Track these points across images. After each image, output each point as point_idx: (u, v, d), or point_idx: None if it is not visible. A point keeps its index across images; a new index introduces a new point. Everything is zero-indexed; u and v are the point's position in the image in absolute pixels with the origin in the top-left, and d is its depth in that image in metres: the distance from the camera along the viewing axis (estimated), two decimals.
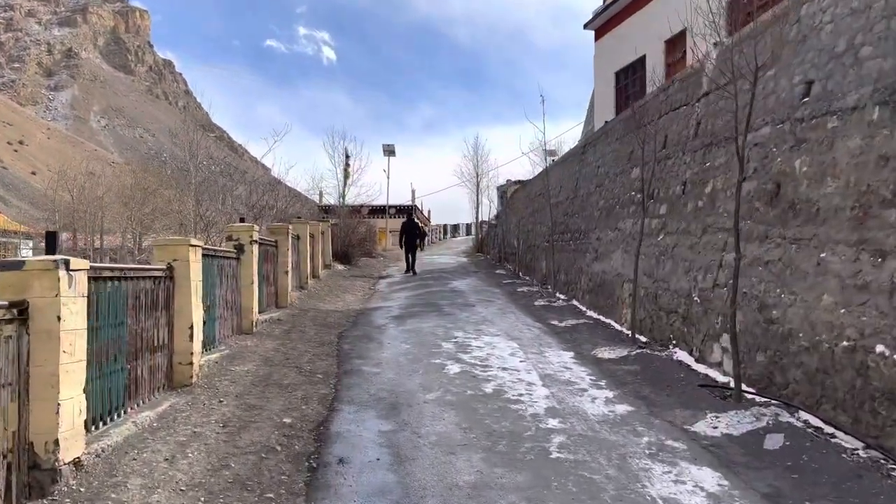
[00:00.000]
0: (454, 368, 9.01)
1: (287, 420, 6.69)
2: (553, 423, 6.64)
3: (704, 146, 10.38)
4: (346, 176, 39.75)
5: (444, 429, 6.47)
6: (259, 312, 11.69)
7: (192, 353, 7.61)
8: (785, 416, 6.50)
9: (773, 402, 6.95)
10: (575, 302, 15.53)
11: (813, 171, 7.14)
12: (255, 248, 11.28)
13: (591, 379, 8.49)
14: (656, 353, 9.83)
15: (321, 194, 42.00)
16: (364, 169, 40.79)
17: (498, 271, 24.99)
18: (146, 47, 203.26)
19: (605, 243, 14.13)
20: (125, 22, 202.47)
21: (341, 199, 39.19)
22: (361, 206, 46.24)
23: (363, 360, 9.61)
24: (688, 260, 10.14)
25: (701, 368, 8.78)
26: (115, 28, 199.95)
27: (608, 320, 12.88)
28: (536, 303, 15.74)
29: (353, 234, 24.93)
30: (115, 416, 6.07)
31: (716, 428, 6.43)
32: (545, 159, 23.00)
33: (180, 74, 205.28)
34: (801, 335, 6.88)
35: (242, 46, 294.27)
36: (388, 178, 42.94)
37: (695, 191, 10.38)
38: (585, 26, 25.75)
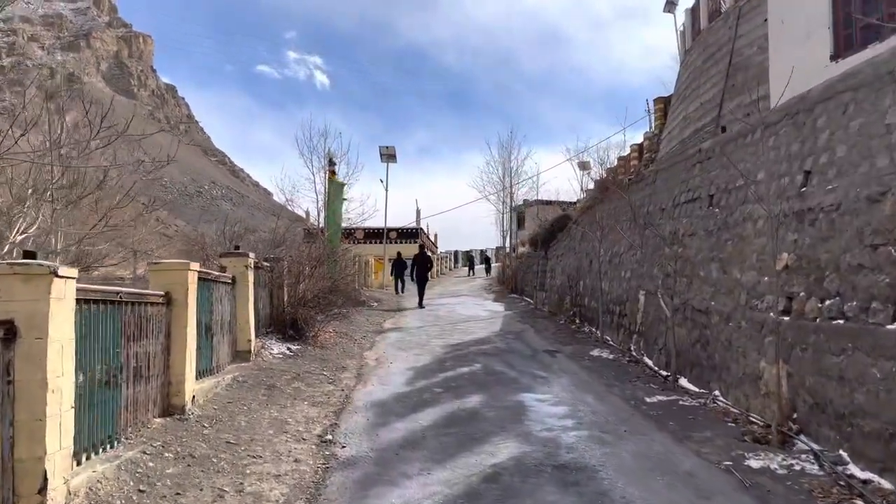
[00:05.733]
0: None
1: None
2: None
3: None
4: (334, 186, 26.92)
5: None
6: None
7: None
8: None
9: None
10: None
11: None
12: None
13: None
14: None
15: (308, 214, 29.62)
16: (355, 176, 28.28)
17: (603, 354, 11.98)
18: (149, 72, 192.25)
19: None
20: (128, 47, 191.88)
21: (319, 219, 26.87)
22: (353, 229, 33.72)
23: None
24: None
25: None
26: (118, 53, 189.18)
27: None
28: None
29: (311, 276, 12.25)
30: None
31: None
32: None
33: (182, 99, 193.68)
34: None
35: (234, 72, 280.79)
36: (386, 190, 30.45)
37: None
38: None
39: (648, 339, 11.30)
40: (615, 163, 36.73)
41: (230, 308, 9.29)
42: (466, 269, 49.02)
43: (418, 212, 44.56)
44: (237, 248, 9.94)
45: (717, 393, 8.56)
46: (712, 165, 10.00)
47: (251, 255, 9.80)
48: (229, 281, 9.32)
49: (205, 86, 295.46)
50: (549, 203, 40.37)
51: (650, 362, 10.89)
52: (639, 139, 33.61)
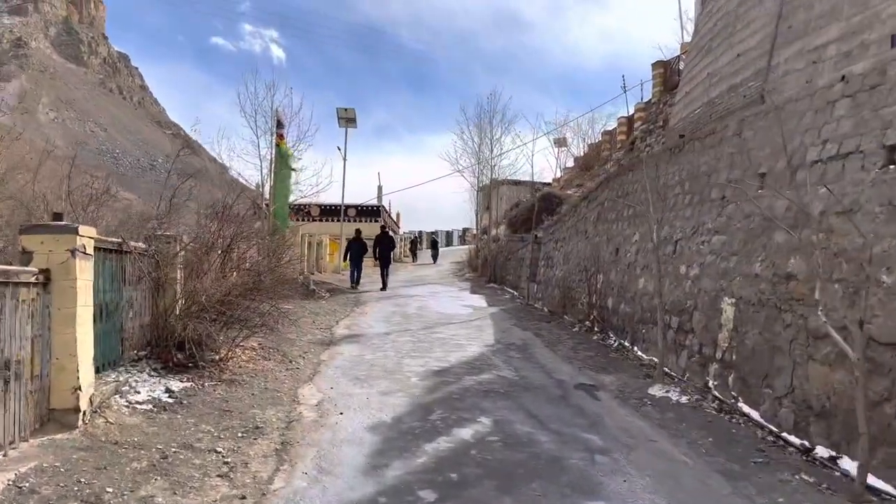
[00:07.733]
0: None
1: None
2: None
3: None
4: (282, 154, 22.00)
5: None
6: None
7: None
8: None
9: None
10: None
11: None
12: None
13: None
14: None
15: (258, 185, 24.71)
16: (307, 140, 23.38)
17: (671, 394, 7.26)
18: (100, 39, 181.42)
19: None
20: (79, 12, 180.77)
21: (264, 190, 22.28)
22: (306, 204, 28.78)
23: None
24: None
25: None
26: (67, 18, 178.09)
27: None
28: None
29: (223, 265, 7.74)
30: None
31: None
32: None
33: (136, 68, 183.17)
34: None
35: (187, 43, 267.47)
36: (344, 159, 25.76)
37: None
38: None
39: (747, 375, 7.10)
40: (599, 137, 32.82)
41: (36, 330, 4.76)
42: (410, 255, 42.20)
43: (380, 188, 39.90)
44: (58, 216, 5.35)
45: None
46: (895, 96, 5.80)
47: (85, 229, 5.22)
48: (33, 280, 4.77)
49: (158, 58, 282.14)
50: (518, 183, 36.03)
51: (756, 415, 6.71)
52: (619, 116, 29.77)
